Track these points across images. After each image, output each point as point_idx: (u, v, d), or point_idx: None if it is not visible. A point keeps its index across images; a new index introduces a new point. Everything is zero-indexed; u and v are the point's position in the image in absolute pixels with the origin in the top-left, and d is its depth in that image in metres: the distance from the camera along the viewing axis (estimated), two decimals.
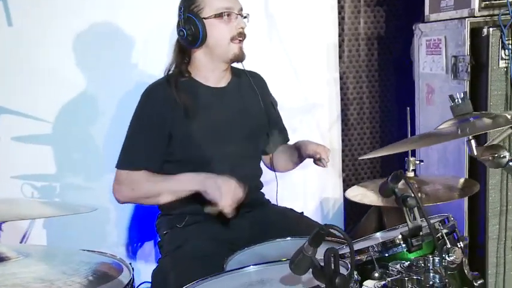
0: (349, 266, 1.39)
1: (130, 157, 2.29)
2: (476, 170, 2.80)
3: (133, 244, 3.28)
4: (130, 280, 1.55)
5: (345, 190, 3.61)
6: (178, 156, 2.31)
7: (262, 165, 2.60)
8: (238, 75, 2.49)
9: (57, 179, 3.11)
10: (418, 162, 2.26)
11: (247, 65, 2.47)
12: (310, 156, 2.40)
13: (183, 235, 2.29)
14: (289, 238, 2.13)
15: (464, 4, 2.84)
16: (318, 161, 2.37)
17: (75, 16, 3.01)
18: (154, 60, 2.75)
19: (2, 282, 1.34)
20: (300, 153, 2.46)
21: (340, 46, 3.60)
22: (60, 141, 3.11)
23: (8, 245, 1.59)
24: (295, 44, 3.48)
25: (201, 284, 1.61)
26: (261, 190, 2.55)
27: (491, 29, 2.72)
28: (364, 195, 2.26)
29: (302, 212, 2.55)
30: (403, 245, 1.59)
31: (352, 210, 3.69)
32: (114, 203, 3.08)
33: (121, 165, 2.29)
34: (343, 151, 3.63)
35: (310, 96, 3.57)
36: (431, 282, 1.50)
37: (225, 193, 2.09)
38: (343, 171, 3.67)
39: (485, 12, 2.79)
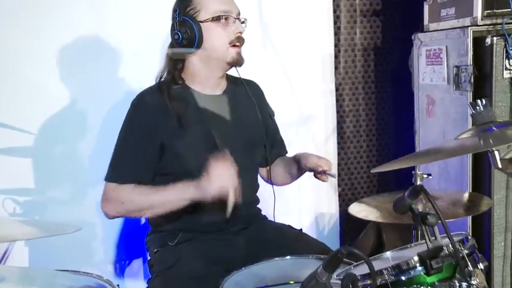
0: None
1: (120, 169, 2.13)
2: (481, 184, 2.66)
3: (121, 262, 3.11)
4: None
5: (340, 205, 3.53)
6: (171, 168, 2.15)
7: (259, 178, 2.46)
8: (234, 83, 2.35)
9: (41, 194, 2.95)
10: (426, 176, 2.10)
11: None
12: (311, 170, 2.27)
13: (175, 254, 2.14)
14: (288, 257, 1.98)
15: (466, 13, 2.71)
16: (319, 174, 2.24)
17: (62, 28, 2.87)
18: (144, 72, 2.59)
19: None
20: (299, 166, 2.32)
21: (336, 57, 3.48)
22: (45, 155, 2.95)
23: None
24: (289, 54, 3.36)
25: None
26: (258, 206, 2.40)
27: (495, 38, 2.58)
28: (369, 211, 2.10)
29: (301, 229, 2.40)
30: (421, 268, 1.42)
31: (348, 226, 3.55)
32: (101, 218, 2.94)
33: (110, 178, 2.13)
34: (339, 165, 3.49)
35: (305, 108, 3.44)
36: None
37: (219, 177, 1.94)
38: (338, 185, 3.54)
39: (488, 21, 2.66)
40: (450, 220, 1.94)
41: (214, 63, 2.20)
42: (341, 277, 1.21)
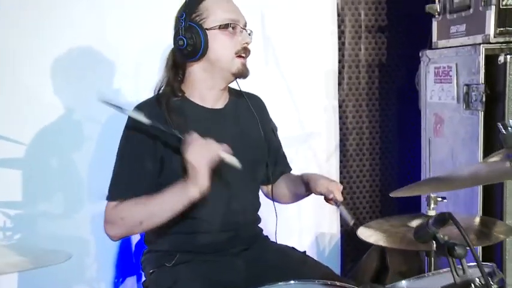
0: None
1: (119, 187, 1.98)
2: (492, 208, 2.52)
3: (115, 280, 2.96)
4: None
5: (342, 225, 3.39)
6: (171, 183, 1.95)
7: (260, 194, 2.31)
8: (235, 96, 2.20)
9: (33, 207, 2.79)
10: (440, 199, 1.95)
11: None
12: (321, 194, 2.10)
13: (172, 275, 1.98)
14: (292, 282, 1.79)
15: (478, 30, 2.59)
16: (330, 200, 2.07)
17: (58, 36, 2.75)
18: (142, 83, 2.48)
19: None
20: (308, 188, 2.15)
21: (339, 73, 3.37)
22: (37, 166, 2.81)
23: None
24: (292, 69, 3.23)
25: None
26: (259, 225, 2.24)
27: (508, 56, 2.46)
28: (378, 236, 1.95)
29: (305, 251, 2.24)
30: None
31: (350, 247, 3.42)
32: (95, 234, 2.86)
33: (109, 197, 1.98)
34: (340, 183, 3.31)
35: (307, 124, 3.31)
36: None
37: (197, 156, 1.82)
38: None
39: (501, 39, 2.54)
40: None
41: (219, 73, 2.05)
42: None
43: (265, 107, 2.33)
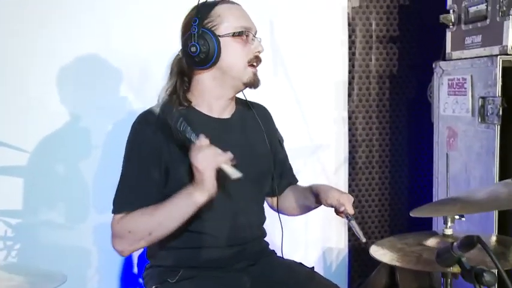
0: None
1: (125, 199, 1.88)
2: (508, 226, 2.40)
3: None
4: None
5: (350, 240, 3.29)
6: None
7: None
8: (242, 106, 2.11)
9: (35, 216, 2.70)
10: (458, 217, 1.83)
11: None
12: (332, 206, 2.00)
13: None
14: None
15: (495, 41, 2.48)
16: (341, 213, 1.97)
17: (64, 44, 2.68)
18: (148, 91, 2.38)
19: None
20: (318, 199, 2.06)
21: (349, 83, 3.27)
22: (40, 175, 2.72)
23: None
24: (301, 79, 3.14)
25: None
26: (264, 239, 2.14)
27: None
28: (392, 255, 1.83)
29: (313, 267, 2.13)
30: None
31: (358, 262, 3.32)
32: (97, 245, 2.76)
33: (115, 209, 1.89)
34: None
35: (315, 136, 3.21)
36: None
37: (204, 162, 1.76)
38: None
39: None
40: None
41: (229, 82, 1.96)
42: None
43: (271, 117, 2.24)
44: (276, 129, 2.24)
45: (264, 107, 2.22)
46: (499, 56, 2.42)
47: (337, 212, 1.99)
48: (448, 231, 1.87)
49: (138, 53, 2.74)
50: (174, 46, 2.00)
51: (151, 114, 1.93)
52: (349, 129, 3.27)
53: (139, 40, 2.76)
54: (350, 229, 3.27)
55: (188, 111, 1.94)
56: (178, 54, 1.99)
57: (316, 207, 2.13)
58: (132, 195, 1.87)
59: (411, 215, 1.49)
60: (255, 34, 1.97)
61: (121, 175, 1.92)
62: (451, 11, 2.76)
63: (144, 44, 2.75)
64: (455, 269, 1.40)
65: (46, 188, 2.72)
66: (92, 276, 2.82)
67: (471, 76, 2.57)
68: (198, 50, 1.87)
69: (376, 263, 2.88)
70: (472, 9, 2.62)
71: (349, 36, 3.23)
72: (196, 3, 1.94)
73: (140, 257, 2.77)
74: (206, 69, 1.92)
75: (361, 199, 3.32)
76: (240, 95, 2.07)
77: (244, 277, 1.95)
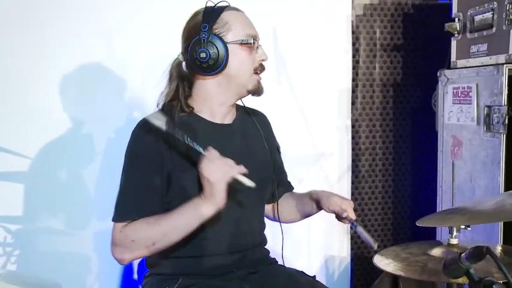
0: None
1: (126, 207, 1.83)
2: None
3: None
4: None
5: (352, 248, 3.25)
6: (178, 202, 1.82)
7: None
8: (241, 112, 2.08)
9: (35, 223, 2.66)
10: (464, 227, 1.79)
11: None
12: (334, 213, 1.99)
13: None
14: None
15: (501, 49, 2.44)
16: (344, 219, 1.96)
17: (66, 54, 2.65)
18: (150, 98, 2.34)
19: None
20: (318, 205, 2.05)
21: (353, 91, 3.22)
22: (41, 181, 2.68)
23: None
24: (304, 87, 3.10)
25: None
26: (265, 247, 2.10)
27: None
28: (397, 265, 1.78)
29: (314, 276, 2.09)
30: None
31: (360, 271, 3.28)
32: (98, 252, 2.72)
33: (116, 217, 1.83)
34: None
35: (318, 144, 3.17)
36: None
37: (215, 174, 1.71)
38: (351, 227, 3.18)
39: None
40: None
41: (234, 89, 1.93)
42: None
43: (269, 124, 2.22)
44: (274, 136, 2.22)
45: (263, 114, 2.20)
46: (505, 65, 2.38)
47: (339, 218, 1.98)
48: (454, 241, 1.83)
49: (140, 60, 2.73)
50: (176, 53, 1.97)
51: (151, 121, 1.89)
52: (353, 138, 3.23)
53: (142, 47, 2.73)
54: (353, 237, 3.24)
55: (190, 118, 1.91)
56: (176, 58, 1.95)
57: (316, 212, 2.12)
58: (134, 203, 1.82)
59: (417, 224, 1.44)
60: (259, 42, 1.95)
61: (122, 182, 1.87)
62: (456, 19, 2.72)
63: (146, 52, 2.72)
64: (461, 279, 1.36)
65: (47, 194, 2.69)
66: (92, 283, 2.78)
67: (476, 85, 2.53)
68: (207, 56, 1.84)
69: (379, 272, 2.85)
70: (477, 18, 2.58)
71: (353, 44, 3.19)
72: (198, 8, 1.91)
73: (140, 264, 2.73)
74: (212, 75, 1.89)
75: (364, 207, 3.27)
76: (238, 102, 2.05)
77: (244, 285, 1.90)
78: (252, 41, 1.90)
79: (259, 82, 1.94)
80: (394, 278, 2.74)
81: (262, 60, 1.95)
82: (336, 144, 3.21)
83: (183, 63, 1.95)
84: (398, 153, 3.31)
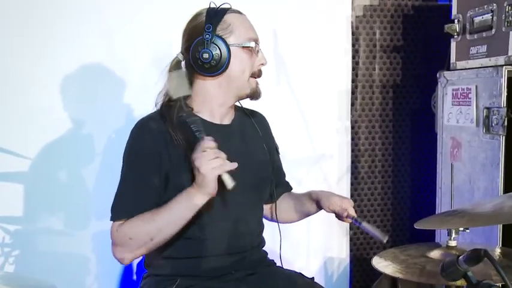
0: None
1: (124, 205, 1.83)
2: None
3: None
4: None
5: (351, 249, 3.24)
6: None
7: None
8: (240, 112, 2.09)
9: (34, 223, 2.65)
10: (462, 229, 1.78)
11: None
12: (334, 212, 2.00)
13: None
14: None
15: (500, 51, 2.43)
16: (345, 218, 1.97)
17: (67, 55, 2.65)
18: (151, 98, 2.34)
19: None
20: (318, 205, 2.05)
21: (352, 93, 3.21)
22: (40, 181, 2.67)
23: None
24: (304, 88, 3.09)
25: None
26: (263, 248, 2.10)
27: None
28: (396, 267, 1.77)
29: (313, 278, 2.08)
30: None
31: (359, 272, 3.26)
32: (96, 252, 2.70)
33: (113, 217, 1.83)
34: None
35: (318, 145, 3.16)
36: None
37: (211, 162, 1.69)
38: (350, 228, 3.23)
39: None
40: None
41: (234, 91, 1.94)
42: None
43: (268, 125, 2.21)
44: (273, 137, 2.22)
45: (262, 115, 2.20)
46: (504, 66, 2.37)
47: (340, 217, 1.99)
48: (452, 243, 1.82)
49: (140, 60, 2.71)
50: (176, 53, 1.96)
51: (150, 120, 1.90)
52: (352, 139, 3.22)
53: (142, 47, 2.72)
54: (352, 239, 3.23)
55: (188, 117, 1.90)
56: (176, 58, 1.95)
57: (316, 212, 2.12)
58: (130, 201, 1.82)
59: (416, 227, 1.44)
60: (259, 46, 1.96)
61: (120, 182, 1.87)
62: (456, 20, 2.71)
63: (146, 52, 2.71)
64: (460, 282, 1.35)
65: (46, 194, 2.68)
66: (91, 284, 2.77)
67: (476, 86, 2.52)
68: (210, 56, 1.84)
69: (378, 273, 2.83)
70: (477, 19, 2.58)
71: (353, 45, 3.18)
72: (199, 9, 1.91)
73: (139, 264, 2.72)
74: (213, 76, 1.89)
75: (363, 209, 3.26)
76: (236, 103, 2.05)
77: (242, 287, 1.90)
78: (254, 45, 1.91)
79: (257, 86, 1.95)
80: (393, 280, 2.72)
81: (262, 64, 1.95)
82: (336, 145, 3.20)
83: (182, 63, 1.95)
84: (398, 155, 3.30)
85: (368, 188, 3.26)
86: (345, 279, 3.24)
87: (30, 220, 2.64)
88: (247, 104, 2.06)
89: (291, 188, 2.27)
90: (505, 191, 2.35)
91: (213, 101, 1.93)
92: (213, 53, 1.84)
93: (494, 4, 2.45)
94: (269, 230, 2.13)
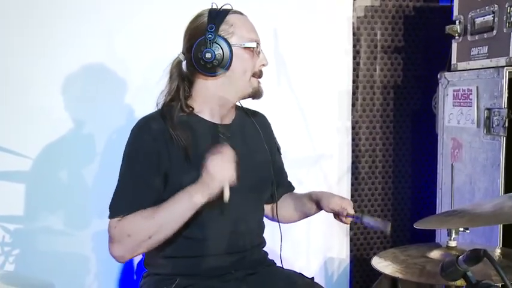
0: None
1: (122, 202, 1.83)
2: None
3: None
4: None
5: (352, 250, 3.24)
6: None
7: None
8: (241, 112, 2.09)
9: (34, 222, 2.64)
10: (462, 229, 1.78)
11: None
12: (334, 212, 2.02)
13: None
14: None
15: (501, 52, 2.43)
16: (344, 217, 1.99)
17: (67, 55, 2.64)
18: (151, 99, 2.35)
19: None
20: (319, 205, 2.07)
21: (353, 93, 3.20)
22: (40, 181, 2.66)
23: None
24: (305, 88, 3.08)
25: None
26: (264, 248, 2.10)
27: None
28: (396, 267, 1.77)
29: (313, 278, 2.09)
30: None
31: (359, 273, 3.26)
32: (96, 252, 2.70)
33: (112, 214, 1.83)
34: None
35: (318, 145, 3.15)
36: None
37: (223, 168, 1.73)
38: (350, 229, 3.23)
39: None
40: None
41: (235, 91, 1.95)
42: None
43: (269, 125, 2.22)
44: (274, 137, 2.22)
45: (263, 115, 2.21)
46: (505, 67, 2.38)
47: (339, 217, 2.01)
48: (452, 243, 1.82)
49: (140, 60, 2.71)
50: (176, 53, 1.98)
51: (151, 120, 1.90)
52: (353, 139, 3.22)
53: (142, 47, 2.72)
54: (352, 239, 3.23)
55: (189, 118, 1.91)
56: (177, 58, 1.96)
57: (315, 213, 2.13)
58: (128, 199, 1.82)
59: (415, 226, 1.44)
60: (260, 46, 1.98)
61: (119, 180, 1.87)
62: (457, 21, 2.72)
63: (146, 52, 2.71)
64: (460, 282, 1.36)
65: (47, 194, 2.68)
66: (91, 283, 2.76)
67: (477, 87, 2.52)
68: (213, 56, 1.85)
69: (378, 274, 2.83)
70: (478, 20, 2.58)
71: (354, 46, 3.18)
72: (199, 10, 1.92)
73: (139, 264, 2.71)
74: (215, 76, 1.89)
75: (364, 209, 3.26)
76: (237, 103, 2.06)
77: (242, 286, 1.90)
78: (255, 45, 1.91)
79: (259, 85, 1.96)
80: (393, 280, 2.73)
81: (263, 65, 1.97)
82: (336, 146, 3.20)
83: (183, 63, 1.95)
84: (398, 155, 3.30)
85: (368, 188, 3.26)
86: (345, 279, 3.24)
87: (30, 219, 2.64)
88: (247, 103, 2.06)
89: (293, 188, 2.27)
90: (506, 191, 2.36)
91: (214, 101, 1.93)
92: (216, 52, 1.85)
93: (496, 5, 2.45)
94: (269, 230, 2.14)
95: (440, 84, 2.80)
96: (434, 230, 2.82)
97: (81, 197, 2.72)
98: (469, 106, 2.57)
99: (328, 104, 3.17)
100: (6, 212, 2.60)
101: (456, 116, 2.66)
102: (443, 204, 2.76)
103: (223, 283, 1.89)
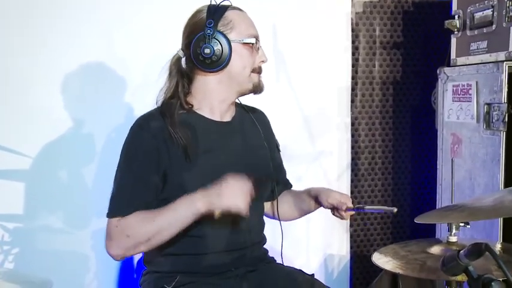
0: None
1: (121, 202, 1.82)
2: None
3: None
4: None
5: (352, 247, 3.24)
6: (173, 200, 1.81)
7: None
8: (241, 109, 2.09)
9: (34, 221, 2.65)
10: (463, 224, 1.78)
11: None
12: (333, 207, 2.03)
13: None
14: None
15: (501, 47, 2.42)
16: (343, 211, 2.01)
17: (67, 54, 2.65)
18: (151, 97, 2.35)
19: None
20: (318, 201, 2.07)
21: (352, 89, 3.20)
22: (40, 180, 2.67)
23: None
24: (304, 85, 3.08)
25: None
26: (264, 246, 2.10)
27: None
28: (396, 263, 1.77)
29: (313, 274, 2.09)
30: None
31: (359, 269, 3.26)
32: (96, 250, 2.70)
33: (111, 213, 1.82)
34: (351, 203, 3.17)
35: (318, 142, 3.16)
36: None
37: (235, 195, 1.73)
38: (350, 225, 3.22)
39: None
40: None
41: (235, 87, 1.94)
42: None
43: (269, 121, 2.22)
44: (274, 134, 2.22)
45: (262, 112, 2.20)
46: (505, 62, 2.37)
47: (338, 212, 2.02)
48: (453, 239, 1.81)
49: (140, 60, 2.72)
50: (176, 52, 1.97)
51: (150, 118, 1.90)
52: (352, 136, 3.21)
53: (142, 47, 2.72)
54: (352, 236, 3.22)
55: (189, 115, 1.91)
56: (176, 54, 1.95)
57: (314, 210, 2.14)
58: (129, 198, 1.81)
59: (416, 221, 1.43)
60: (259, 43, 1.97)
61: (117, 178, 1.87)
62: (456, 16, 2.71)
63: (146, 51, 2.71)
64: (461, 277, 1.35)
65: (47, 193, 2.68)
66: (90, 281, 2.77)
67: (476, 82, 2.52)
68: (212, 52, 1.84)
69: (378, 270, 2.83)
70: (477, 15, 2.57)
71: (353, 42, 3.17)
72: (201, 6, 1.92)
73: (139, 262, 2.71)
74: (214, 72, 1.89)
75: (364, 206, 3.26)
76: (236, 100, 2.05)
77: (243, 284, 1.90)
78: (255, 41, 1.91)
79: (259, 80, 1.96)
80: (394, 276, 2.72)
81: (262, 61, 1.96)
82: (336, 142, 3.20)
83: (183, 60, 1.95)
84: (398, 151, 3.29)
85: (368, 184, 3.25)
86: (345, 275, 3.24)
87: (29, 218, 2.64)
88: (246, 100, 2.06)
89: (291, 186, 2.27)
90: (506, 186, 2.35)
91: (213, 98, 1.93)
92: (215, 48, 1.84)
93: None
94: (270, 227, 2.14)
95: (439, 80, 2.80)
96: (435, 226, 2.82)
97: (81, 196, 2.72)
98: (468, 101, 2.56)
99: (327, 100, 3.17)
100: (5, 211, 2.60)
101: (456, 111, 2.66)
102: (443, 199, 2.76)
103: (223, 280, 1.88)
